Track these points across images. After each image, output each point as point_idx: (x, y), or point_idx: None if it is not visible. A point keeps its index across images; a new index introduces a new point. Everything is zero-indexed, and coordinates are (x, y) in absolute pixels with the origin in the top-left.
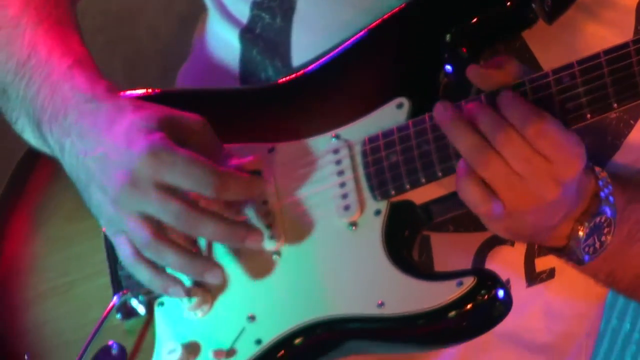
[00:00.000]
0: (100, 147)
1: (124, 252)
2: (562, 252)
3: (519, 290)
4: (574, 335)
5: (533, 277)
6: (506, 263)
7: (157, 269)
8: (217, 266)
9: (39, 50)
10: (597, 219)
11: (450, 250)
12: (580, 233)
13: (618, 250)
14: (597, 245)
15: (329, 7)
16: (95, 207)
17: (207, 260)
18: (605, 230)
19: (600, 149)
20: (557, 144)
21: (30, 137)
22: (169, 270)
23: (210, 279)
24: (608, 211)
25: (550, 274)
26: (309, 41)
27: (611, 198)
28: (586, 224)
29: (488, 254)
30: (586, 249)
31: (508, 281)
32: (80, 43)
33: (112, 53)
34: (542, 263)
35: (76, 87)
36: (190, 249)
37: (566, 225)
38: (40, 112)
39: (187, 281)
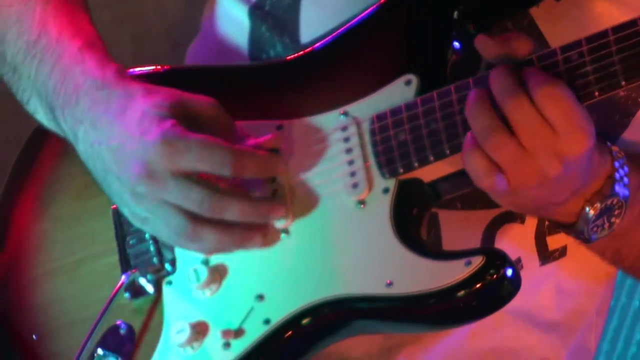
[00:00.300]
0: (114, 137)
1: (168, 237)
2: (569, 228)
3: (533, 268)
4: (583, 313)
5: (546, 255)
6: (516, 241)
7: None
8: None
9: (49, 29)
10: (609, 201)
11: (459, 228)
12: (591, 213)
13: (626, 230)
14: (606, 225)
15: None
16: (115, 196)
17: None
18: (616, 212)
19: (608, 127)
20: (566, 112)
21: (44, 119)
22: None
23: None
24: (621, 193)
25: (563, 252)
26: (318, 18)
27: (626, 179)
28: (597, 205)
29: (497, 231)
30: (594, 229)
31: (519, 259)
32: (89, 22)
33: (120, 30)
34: (554, 241)
35: (87, 71)
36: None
37: (576, 203)
38: (52, 96)
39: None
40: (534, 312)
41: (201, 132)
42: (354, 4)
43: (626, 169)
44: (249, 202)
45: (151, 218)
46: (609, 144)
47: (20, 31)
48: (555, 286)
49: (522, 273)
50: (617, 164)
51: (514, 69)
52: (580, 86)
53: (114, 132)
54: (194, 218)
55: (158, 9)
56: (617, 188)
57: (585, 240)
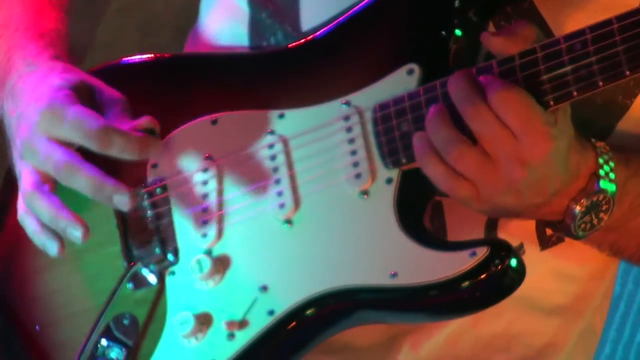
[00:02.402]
0: (21, 105)
1: (19, 206)
2: (557, 227)
3: (533, 253)
4: (588, 297)
5: (545, 240)
6: (518, 227)
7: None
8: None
9: (9, 26)
10: (595, 197)
11: (463, 215)
12: (577, 210)
13: (620, 223)
14: (595, 221)
15: None
16: (13, 164)
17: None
18: (604, 208)
19: (611, 109)
20: (523, 116)
21: None
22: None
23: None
24: (607, 189)
25: (560, 237)
26: (319, 5)
27: (612, 175)
28: (583, 201)
29: (500, 218)
30: (582, 226)
31: (521, 245)
32: (52, 19)
33: (126, 19)
34: None
35: (26, 55)
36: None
37: (559, 202)
38: None
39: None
40: (538, 296)
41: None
42: None
43: (612, 164)
44: (96, 180)
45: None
46: (592, 140)
47: None
48: (557, 271)
49: (524, 257)
50: (601, 160)
51: (473, 74)
52: (585, 76)
53: (22, 101)
54: (37, 187)
55: None
56: (603, 184)
57: (575, 237)
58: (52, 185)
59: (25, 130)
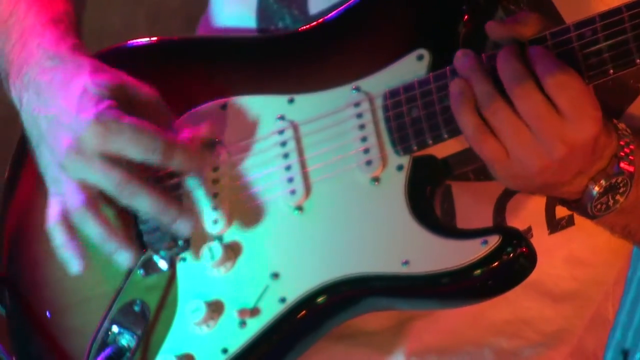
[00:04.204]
0: (53, 107)
1: (51, 212)
2: (573, 206)
3: (541, 237)
4: (601, 283)
5: (554, 224)
6: (527, 211)
7: (71, 236)
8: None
9: (18, 9)
10: (614, 179)
11: (472, 198)
12: (595, 190)
13: (633, 206)
14: (611, 203)
15: None
16: (42, 165)
17: (120, 238)
18: (621, 190)
19: (622, 93)
20: (576, 100)
21: (8, 91)
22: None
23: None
24: (626, 172)
25: (570, 220)
26: None
27: (631, 157)
28: (602, 182)
29: (508, 202)
30: (598, 206)
31: (530, 229)
32: (64, 2)
33: (136, 7)
34: (562, 209)
35: (43, 44)
36: (110, 227)
37: (579, 181)
38: (9, 66)
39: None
40: (548, 282)
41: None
42: None
43: (631, 146)
44: (162, 201)
45: (63, 192)
46: (615, 121)
47: None
48: (567, 255)
49: (533, 241)
50: (622, 143)
51: (521, 49)
52: (594, 64)
53: (53, 103)
54: (93, 203)
55: None
56: (623, 166)
57: (590, 217)
58: (100, 204)
59: (68, 141)
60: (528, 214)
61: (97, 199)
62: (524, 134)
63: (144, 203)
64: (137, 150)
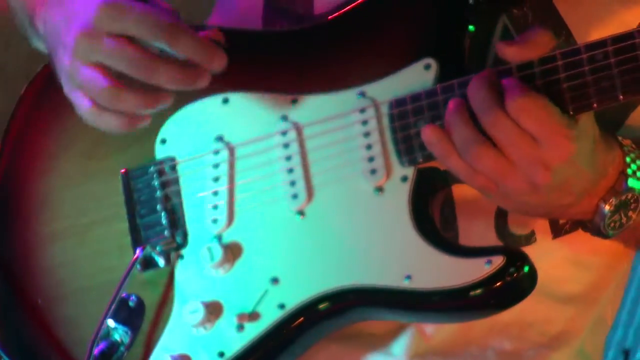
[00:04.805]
0: (71, 6)
1: (82, 108)
2: (587, 226)
3: (545, 241)
4: (602, 286)
5: (557, 228)
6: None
7: (121, 113)
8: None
9: None
10: (623, 196)
11: (473, 203)
12: (606, 209)
13: None
14: (624, 220)
15: None
16: (58, 68)
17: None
18: (632, 206)
19: (621, 105)
20: (542, 121)
21: (33, 40)
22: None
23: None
24: (635, 188)
25: (574, 225)
26: None
27: (639, 173)
28: (612, 200)
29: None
30: (611, 225)
31: (533, 233)
32: None
33: None
34: None
35: None
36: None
37: (588, 202)
38: (32, 3)
39: None
40: (552, 284)
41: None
42: None
43: (639, 162)
44: (178, 66)
45: (81, 81)
46: (620, 138)
47: None
48: (571, 259)
49: (536, 245)
50: (628, 159)
51: (492, 80)
52: (606, 88)
53: (72, 4)
54: (118, 83)
55: None
56: (631, 183)
57: (604, 236)
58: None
59: (78, 26)
60: (531, 219)
61: (119, 78)
62: (505, 167)
63: (161, 75)
64: (144, 28)
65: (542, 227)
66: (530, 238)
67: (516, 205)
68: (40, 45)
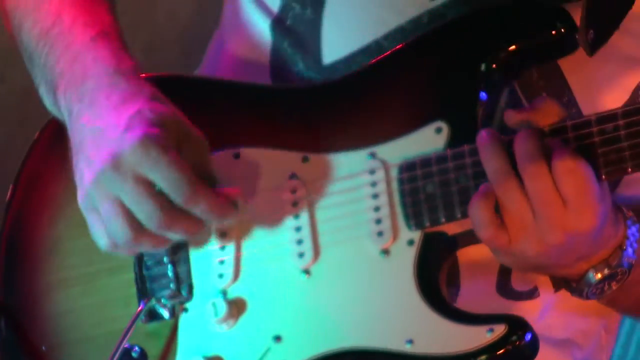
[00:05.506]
0: (102, 120)
1: (98, 237)
2: (571, 286)
3: (547, 295)
4: (590, 332)
5: (559, 283)
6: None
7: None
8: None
9: (63, 17)
10: (614, 270)
11: (476, 260)
12: (596, 278)
13: (625, 288)
14: (606, 288)
15: (359, 2)
16: (78, 176)
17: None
18: (618, 278)
19: None
20: (581, 189)
21: (47, 103)
22: None
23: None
24: (626, 263)
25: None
26: (340, 37)
27: (635, 245)
28: (605, 271)
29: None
30: (593, 290)
31: (535, 288)
32: (107, 12)
33: (131, 39)
34: None
35: (100, 58)
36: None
37: (580, 266)
38: (57, 78)
39: None
40: (543, 331)
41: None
42: (377, 25)
43: (637, 235)
44: (194, 223)
45: (99, 210)
46: (625, 210)
47: (35, 19)
48: (565, 310)
49: (539, 300)
50: (629, 232)
51: (541, 134)
52: (614, 160)
53: (104, 116)
54: (137, 230)
55: (169, 15)
56: (626, 258)
57: (583, 299)
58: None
59: (107, 155)
60: (534, 275)
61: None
62: (526, 215)
63: (175, 235)
64: (165, 185)
65: (544, 281)
66: (533, 293)
67: (519, 261)
68: (50, 108)
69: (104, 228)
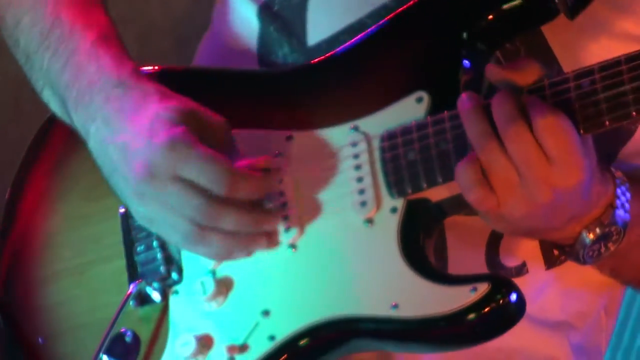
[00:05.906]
0: (123, 135)
1: (176, 241)
2: (565, 250)
3: (538, 273)
4: (587, 314)
5: (552, 260)
6: (521, 245)
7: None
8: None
9: (62, 19)
10: (607, 229)
11: (464, 234)
12: (589, 238)
13: (624, 252)
14: (602, 249)
15: None
16: (122, 194)
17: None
18: (614, 238)
19: (617, 135)
20: (564, 145)
21: (57, 110)
22: None
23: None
24: (620, 221)
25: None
26: (325, 19)
27: (627, 206)
28: (597, 231)
29: (502, 237)
30: (590, 253)
31: (524, 264)
32: (103, 12)
33: (124, 29)
34: None
35: (102, 68)
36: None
37: (572, 228)
38: (65, 91)
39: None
40: (539, 312)
41: (206, 146)
42: (360, 4)
43: (628, 195)
44: (245, 211)
45: (157, 219)
46: (613, 170)
47: (34, 18)
48: (561, 289)
49: (528, 277)
50: (619, 191)
51: (517, 94)
52: (591, 115)
53: (124, 130)
54: (199, 223)
55: (163, 6)
56: (617, 216)
57: (581, 263)
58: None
59: (140, 167)
60: (522, 250)
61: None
62: (512, 177)
63: (228, 223)
64: (204, 180)
65: (534, 257)
66: (521, 269)
67: (510, 224)
68: (61, 115)
69: (175, 231)
